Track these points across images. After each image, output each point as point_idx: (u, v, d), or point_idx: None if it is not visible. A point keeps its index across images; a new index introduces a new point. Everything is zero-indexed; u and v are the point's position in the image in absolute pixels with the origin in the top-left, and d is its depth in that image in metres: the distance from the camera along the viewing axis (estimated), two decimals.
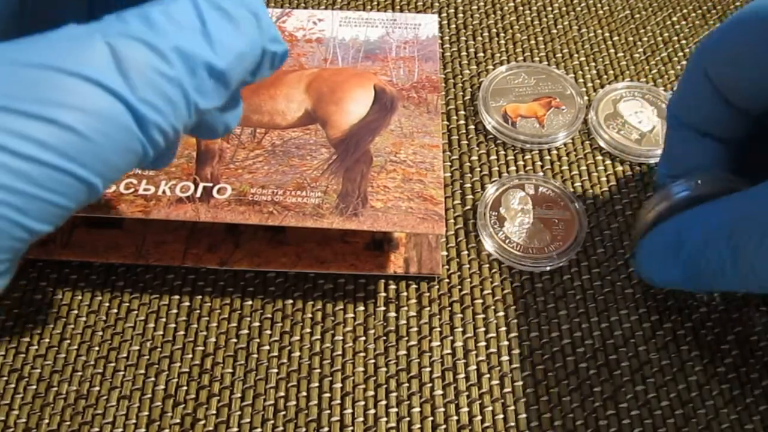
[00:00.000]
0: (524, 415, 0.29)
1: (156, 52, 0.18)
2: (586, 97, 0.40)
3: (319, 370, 0.30)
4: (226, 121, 0.24)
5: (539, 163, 0.37)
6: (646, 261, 0.29)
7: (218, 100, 0.20)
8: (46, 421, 0.28)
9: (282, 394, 0.29)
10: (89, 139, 0.17)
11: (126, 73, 0.18)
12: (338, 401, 0.29)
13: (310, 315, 0.32)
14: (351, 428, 0.29)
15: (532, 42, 0.43)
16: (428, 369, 0.30)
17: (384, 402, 0.29)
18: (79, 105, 0.17)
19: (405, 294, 0.32)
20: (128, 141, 0.18)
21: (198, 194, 0.31)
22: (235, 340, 0.31)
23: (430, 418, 0.29)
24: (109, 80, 0.17)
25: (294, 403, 0.29)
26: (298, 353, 0.30)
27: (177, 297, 0.32)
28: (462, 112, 0.39)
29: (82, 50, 0.17)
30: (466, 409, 0.29)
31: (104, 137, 0.17)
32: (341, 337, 0.31)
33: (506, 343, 0.31)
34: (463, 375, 0.30)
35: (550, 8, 0.45)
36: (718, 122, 0.29)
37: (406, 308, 0.32)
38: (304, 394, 0.29)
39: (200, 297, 0.32)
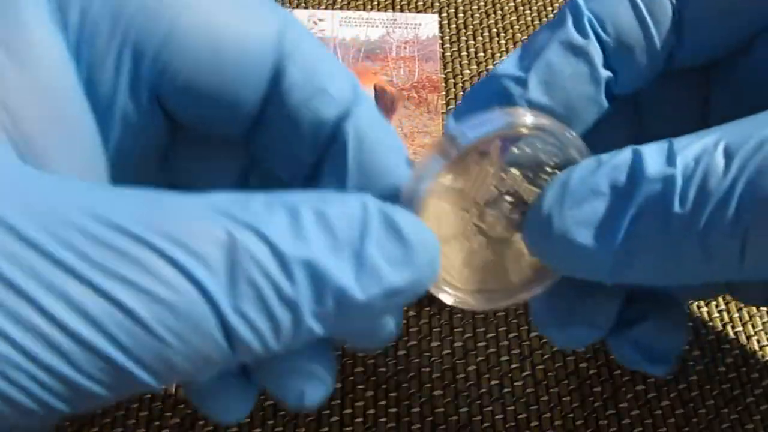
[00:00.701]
0: (524, 415, 0.29)
1: (279, 259, 0.15)
2: None
3: None
4: (385, 326, 0.19)
5: None
6: (543, 234, 0.19)
7: (342, 329, 0.17)
8: None
9: None
10: (153, 331, 0.14)
11: (232, 273, 0.15)
12: (338, 401, 0.29)
13: None
14: (351, 428, 0.29)
15: None
16: (428, 369, 0.30)
17: (384, 402, 0.29)
18: (153, 290, 0.14)
19: None
20: (206, 349, 0.15)
21: None
22: None
23: (430, 418, 0.29)
24: (205, 275, 0.14)
25: None
26: None
27: None
28: None
29: (191, 228, 0.15)
30: (466, 409, 0.29)
31: (173, 336, 0.14)
32: None
33: (506, 343, 0.31)
34: (463, 375, 0.30)
35: (550, 8, 0.45)
36: (645, 49, 0.21)
37: (405, 308, 0.32)
38: None
39: None
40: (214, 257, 0.14)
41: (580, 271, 0.19)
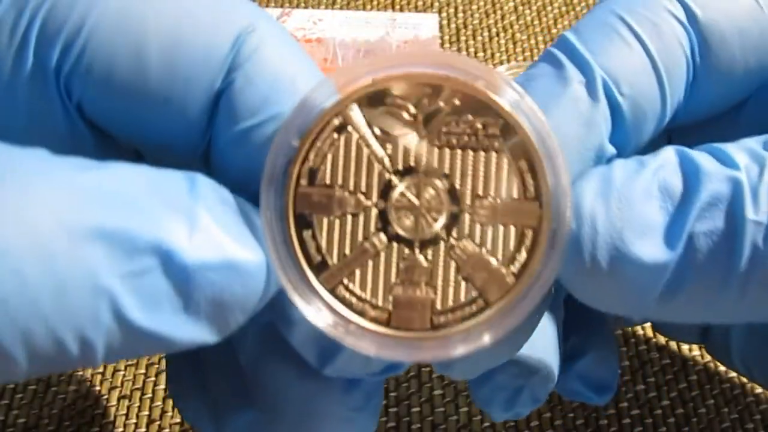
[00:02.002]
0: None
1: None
2: None
3: None
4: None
5: None
6: (582, 244, 0.15)
7: (180, 318, 0.13)
8: (46, 421, 0.28)
9: None
10: None
11: None
12: None
13: None
14: None
15: (532, 42, 0.43)
16: (428, 369, 0.30)
17: (384, 402, 0.29)
18: None
19: None
20: None
21: None
22: None
23: (430, 418, 0.29)
24: None
25: None
26: None
27: None
28: None
29: None
30: (465, 408, 0.29)
31: None
32: None
33: None
34: None
35: (550, 8, 0.45)
36: (656, 114, 0.18)
37: None
38: None
39: None
40: None
41: (626, 294, 0.15)
